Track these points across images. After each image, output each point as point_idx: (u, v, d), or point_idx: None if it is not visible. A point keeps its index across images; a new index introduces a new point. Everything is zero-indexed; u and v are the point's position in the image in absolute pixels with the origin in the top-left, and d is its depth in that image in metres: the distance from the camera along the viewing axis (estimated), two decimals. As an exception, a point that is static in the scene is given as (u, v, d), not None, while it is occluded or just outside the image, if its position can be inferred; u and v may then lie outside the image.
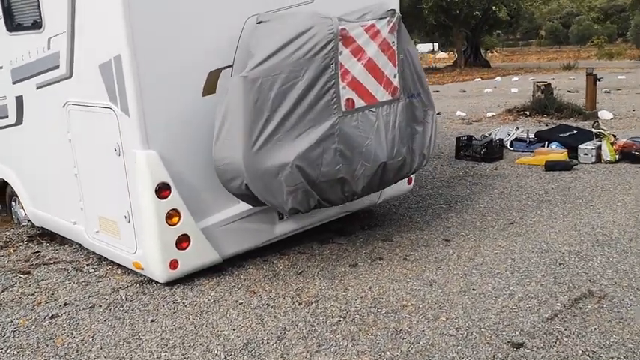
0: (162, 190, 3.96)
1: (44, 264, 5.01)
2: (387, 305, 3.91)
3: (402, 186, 5.56)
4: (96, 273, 4.75)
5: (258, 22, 4.04)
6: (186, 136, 4.05)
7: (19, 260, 5.15)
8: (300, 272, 4.58)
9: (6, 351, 3.58)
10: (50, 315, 4.02)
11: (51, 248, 5.40)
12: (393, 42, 4.11)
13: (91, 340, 3.66)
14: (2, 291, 4.48)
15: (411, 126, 4.38)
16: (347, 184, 4.04)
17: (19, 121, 5.26)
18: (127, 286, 4.42)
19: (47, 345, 3.62)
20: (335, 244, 5.17)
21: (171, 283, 4.34)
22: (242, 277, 4.52)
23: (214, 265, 4.49)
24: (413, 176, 5.63)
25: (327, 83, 3.80)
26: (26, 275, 4.77)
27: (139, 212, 4.12)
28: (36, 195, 5.51)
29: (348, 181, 4.02)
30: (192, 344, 3.55)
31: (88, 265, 4.93)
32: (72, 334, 3.75)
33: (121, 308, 4.07)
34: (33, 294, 4.41)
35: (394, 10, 4.17)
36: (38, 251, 5.36)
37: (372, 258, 4.79)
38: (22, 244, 5.60)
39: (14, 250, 5.43)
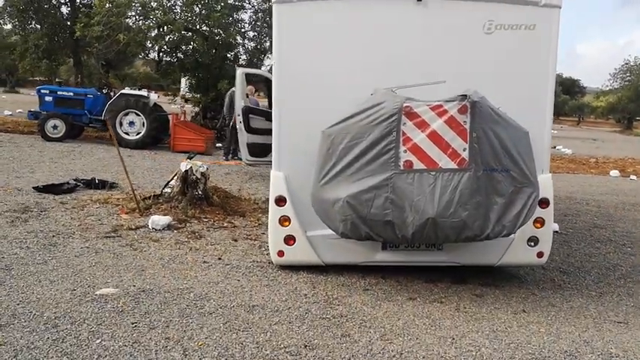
0: (279, 201, 5.41)
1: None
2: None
3: (528, 256, 5.49)
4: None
5: (371, 94, 4.96)
6: (308, 165, 5.06)
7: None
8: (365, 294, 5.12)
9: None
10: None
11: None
12: (465, 121, 4.57)
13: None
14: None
15: (486, 196, 4.63)
16: (397, 227, 4.64)
17: None
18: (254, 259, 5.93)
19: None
20: (433, 285, 5.40)
21: (284, 268, 5.59)
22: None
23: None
24: (545, 251, 5.47)
25: (388, 146, 4.65)
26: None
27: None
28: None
29: (398, 225, 4.63)
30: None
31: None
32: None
33: (216, 263, 5.72)
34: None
35: (466, 95, 4.58)
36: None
37: (427, 317, 4.65)
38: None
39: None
